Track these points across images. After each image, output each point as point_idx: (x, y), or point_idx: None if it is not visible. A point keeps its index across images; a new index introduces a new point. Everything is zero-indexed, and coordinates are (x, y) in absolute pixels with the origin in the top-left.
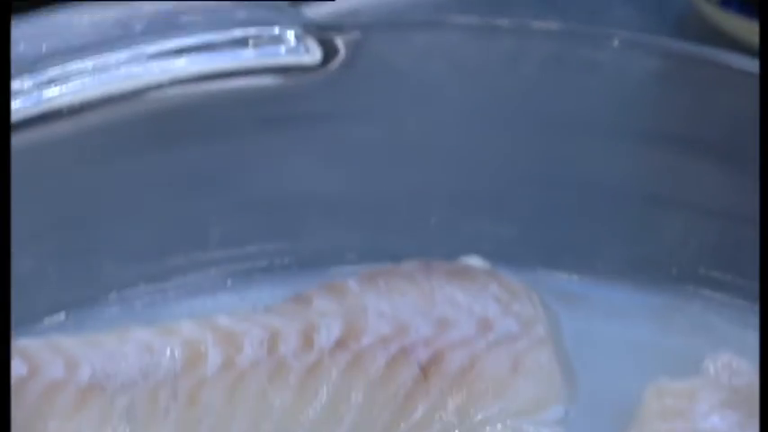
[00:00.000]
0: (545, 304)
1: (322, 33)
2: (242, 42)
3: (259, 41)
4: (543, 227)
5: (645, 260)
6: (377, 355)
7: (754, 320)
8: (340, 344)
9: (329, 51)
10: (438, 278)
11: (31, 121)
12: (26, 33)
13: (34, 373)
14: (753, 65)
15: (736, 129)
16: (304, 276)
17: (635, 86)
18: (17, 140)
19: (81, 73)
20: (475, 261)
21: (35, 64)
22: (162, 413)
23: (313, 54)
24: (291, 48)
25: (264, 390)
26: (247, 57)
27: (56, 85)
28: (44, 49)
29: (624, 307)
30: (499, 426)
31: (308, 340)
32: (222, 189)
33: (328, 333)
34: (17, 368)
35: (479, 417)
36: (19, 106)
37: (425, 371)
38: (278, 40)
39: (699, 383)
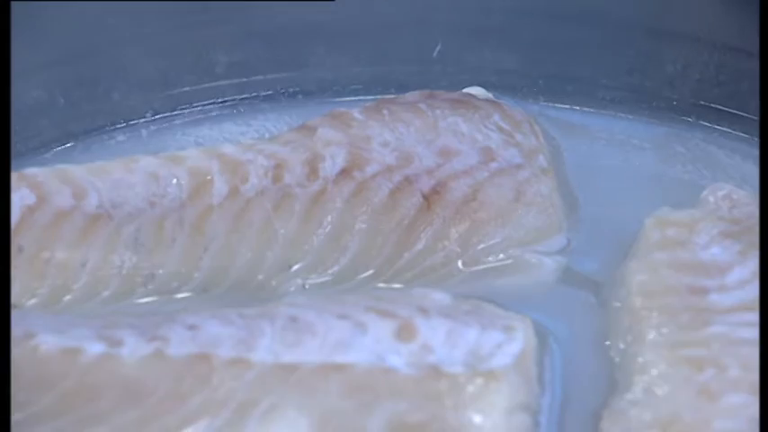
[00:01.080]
0: (547, 134)
1: None
2: None
3: None
4: (545, 58)
5: (646, 91)
6: (380, 185)
7: (755, 152)
8: (344, 173)
9: None
10: (441, 108)
11: None
12: None
13: (42, 202)
14: None
15: None
16: (309, 105)
17: None
18: None
19: None
20: (478, 91)
21: None
22: (168, 241)
23: None
24: None
25: (269, 218)
26: None
27: None
28: None
29: (625, 137)
30: (501, 255)
31: (312, 170)
32: (229, 19)
33: (333, 163)
34: (25, 197)
35: (482, 246)
36: None
37: (428, 200)
38: None
39: (699, 214)
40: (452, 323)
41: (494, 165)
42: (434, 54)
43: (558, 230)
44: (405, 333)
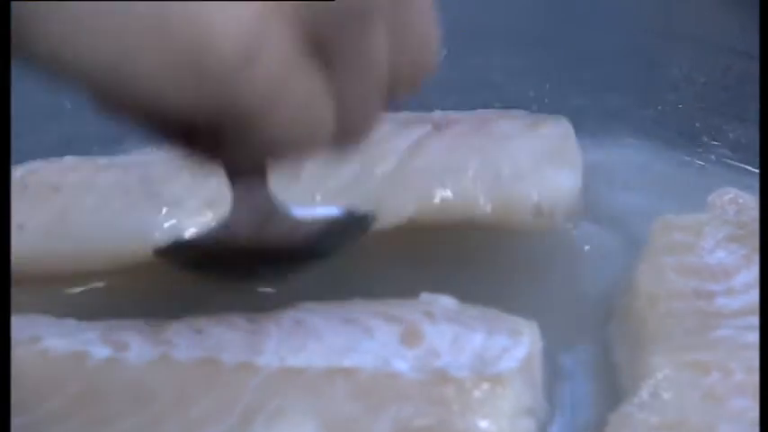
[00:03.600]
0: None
1: None
2: None
3: None
4: (550, 61)
5: (650, 94)
6: None
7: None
8: None
9: None
10: None
11: None
12: None
13: None
14: None
15: None
16: None
17: None
18: None
19: None
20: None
21: None
22: None
23: None
24: None
25: None
26: None
27: None
28: None
29: (630, 141)
30: None
31: None
32: None
33: None
34: None
35: None
36: None
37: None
38: None
39: (705, 218)
40: (458, 328)
41: None
42: (441, 58)
43: None
44: (410, 337)
